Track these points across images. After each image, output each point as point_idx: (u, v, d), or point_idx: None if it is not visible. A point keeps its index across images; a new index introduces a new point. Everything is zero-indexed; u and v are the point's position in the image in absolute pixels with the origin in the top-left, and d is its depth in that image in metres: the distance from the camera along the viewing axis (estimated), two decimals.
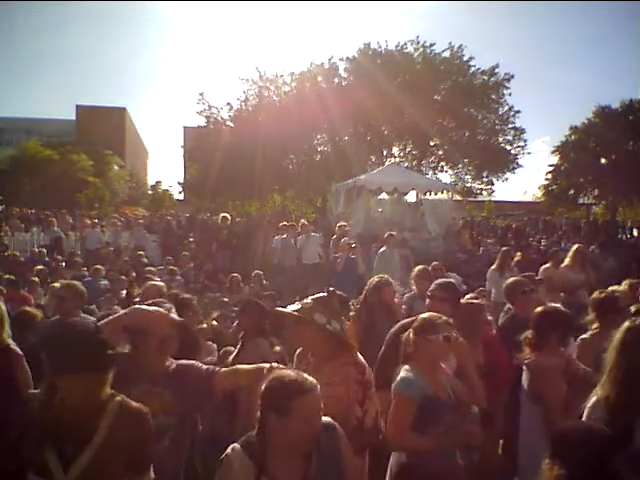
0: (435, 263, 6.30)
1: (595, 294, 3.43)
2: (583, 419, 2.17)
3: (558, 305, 3.33)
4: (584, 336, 3.26)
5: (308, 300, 2.60)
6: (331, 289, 2.67)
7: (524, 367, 3.03)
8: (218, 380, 2.30)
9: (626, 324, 2.19)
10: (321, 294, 2.65)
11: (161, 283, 4.67)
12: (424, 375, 2.51)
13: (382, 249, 8.24)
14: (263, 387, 1.83)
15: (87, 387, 1.76)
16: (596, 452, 1.71)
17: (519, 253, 8.25)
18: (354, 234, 10.75)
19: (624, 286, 4.79)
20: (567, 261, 6.56)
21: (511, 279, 4.39)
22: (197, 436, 3.04)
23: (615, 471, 1.74)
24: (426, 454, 2.40)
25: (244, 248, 11.69)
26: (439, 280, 3.71)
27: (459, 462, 2.55)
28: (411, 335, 2.61)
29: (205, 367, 2.39)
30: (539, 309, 3.14)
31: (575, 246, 6.94)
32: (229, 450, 1.86)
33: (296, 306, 2.60)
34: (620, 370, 2.11)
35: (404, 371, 2.54)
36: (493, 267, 6.97)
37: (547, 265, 6.74)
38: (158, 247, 13.50)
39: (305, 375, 1.85)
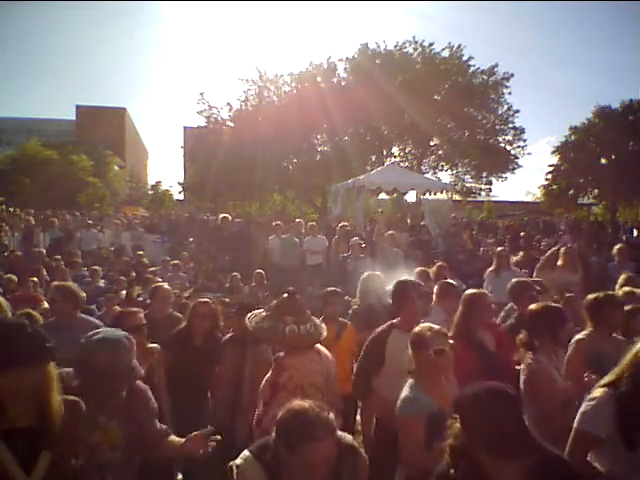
0: (440, 263, 6.29)
1: (588, 296, 3.39)
2: (582, 410, 2.07)
3: (548, 303, 3.26)
4: (579, 337, 3.23)
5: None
6: (290, 289, 2.86)
7: (521, 368, 2.99)
8: (165, 445, 2.25)
9: None
10: (283, 296, 2.87)
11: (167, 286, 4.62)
12: (427, 390, 2.45)
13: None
14: (280, 414, 1.76)
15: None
16: (494, 412, 1.65)
17: (521, 253, 8.17)
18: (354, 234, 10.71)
19: (621, 282, 4.70)
20: (559, 262, 6.37)
21: (516, 280, 4.33)
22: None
23: (522, 431, 1.67)
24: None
25: (243, 248, 11.64)
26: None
27: None
28: (409, 350, 2.57)
29: (157, 425, 2.30)
30: (530, 308, 3.08)
31: (564, 247, 6.75)
32: (241, 459, 1.85)
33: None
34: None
35: (406, 390, 2.49)
36: (490, 269, 6.95)
37: (542, 266, 6.49)
38: (156, 247, 13.48)
39: (325, 416, 1.71)
